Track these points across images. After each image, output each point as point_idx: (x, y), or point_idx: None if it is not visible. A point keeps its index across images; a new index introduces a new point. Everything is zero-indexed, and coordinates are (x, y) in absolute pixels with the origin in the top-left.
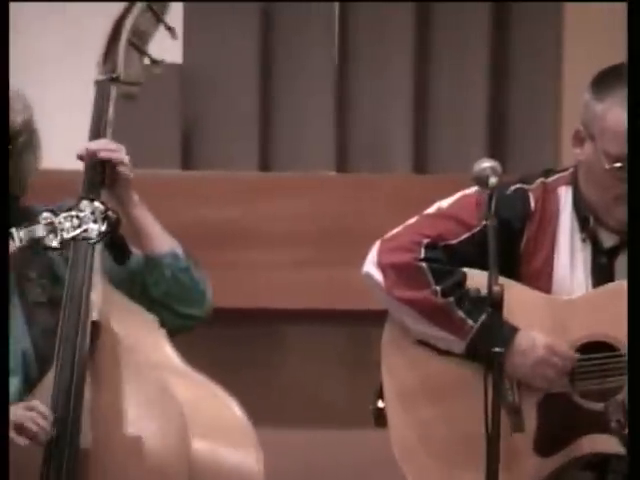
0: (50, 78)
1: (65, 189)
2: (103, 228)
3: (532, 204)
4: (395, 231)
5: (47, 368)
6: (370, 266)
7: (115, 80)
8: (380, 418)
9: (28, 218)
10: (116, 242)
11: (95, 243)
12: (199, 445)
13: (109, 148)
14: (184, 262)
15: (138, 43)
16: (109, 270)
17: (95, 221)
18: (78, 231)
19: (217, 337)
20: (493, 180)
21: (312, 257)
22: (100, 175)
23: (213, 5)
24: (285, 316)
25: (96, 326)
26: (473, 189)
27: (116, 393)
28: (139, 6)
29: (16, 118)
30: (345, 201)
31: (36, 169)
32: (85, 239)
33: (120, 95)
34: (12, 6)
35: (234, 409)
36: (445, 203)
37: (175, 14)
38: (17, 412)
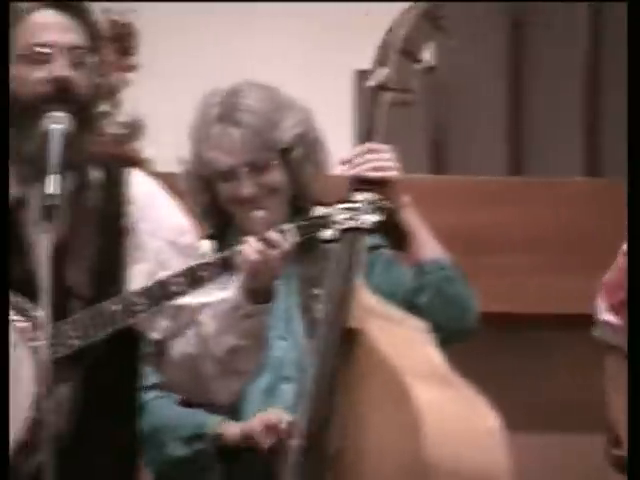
0: None
1: None
2: (376, 218)
3: None
4: (612, 271)
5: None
6: (603, 312)
7: (384, 88)
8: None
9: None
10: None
11: (368, 233)
12: (442, 451)
13: (371, 167)
14: (449, 272)
15: (411, 50)
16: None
17: (368, 212)
18: (352, 222)
19: (476, 342)
20: None
21: (560, 262)
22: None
23: (463, 8)
24: (542, 321)
25: (354, 333)
26: None
27: (366, 401)
28: (414, 12)
29: (283, 135)
30: (593, 207)
31: (320, 175)
32: (359, 229)
33: (395, 103)
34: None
35: (485, 414)
36: None
37: None
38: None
